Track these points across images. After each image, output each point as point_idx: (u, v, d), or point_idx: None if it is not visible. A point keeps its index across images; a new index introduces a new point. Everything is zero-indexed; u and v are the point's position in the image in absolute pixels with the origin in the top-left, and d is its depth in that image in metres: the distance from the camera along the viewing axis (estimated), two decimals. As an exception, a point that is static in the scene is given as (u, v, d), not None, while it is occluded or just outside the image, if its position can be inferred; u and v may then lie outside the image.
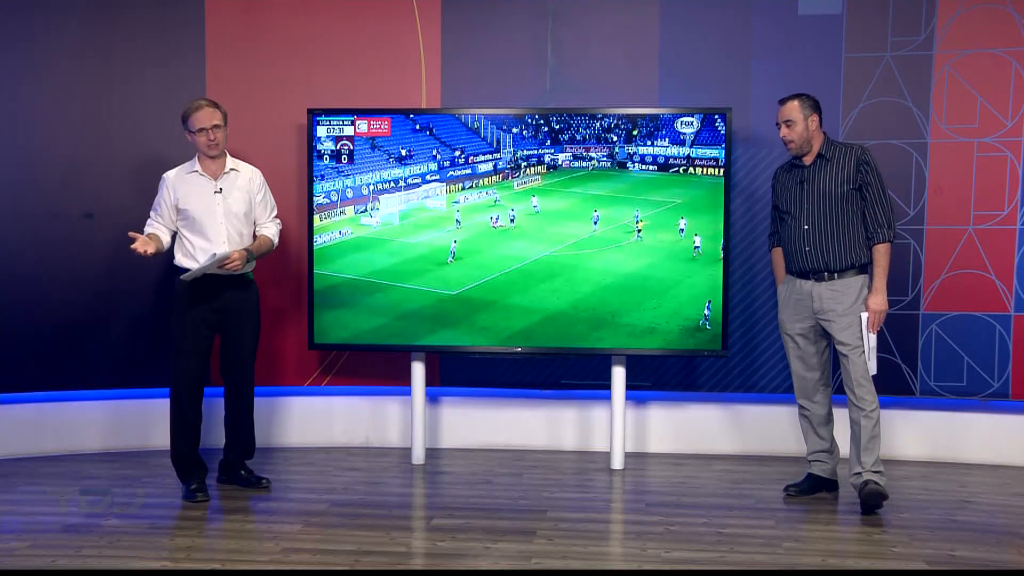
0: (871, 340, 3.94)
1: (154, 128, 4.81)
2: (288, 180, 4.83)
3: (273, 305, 4.86)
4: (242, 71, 4.89)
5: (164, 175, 4.18)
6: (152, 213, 4.20)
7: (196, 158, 4.18)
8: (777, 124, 4.08)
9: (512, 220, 4.63)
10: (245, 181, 4.22)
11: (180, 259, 4.14)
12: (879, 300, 3.95)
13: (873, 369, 3.94)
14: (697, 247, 4.51)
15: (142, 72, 4.83)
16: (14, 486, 4.29)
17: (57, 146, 4.78)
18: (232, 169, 4.20)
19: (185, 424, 4.13)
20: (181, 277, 4.05)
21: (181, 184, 4.13)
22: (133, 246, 4.00)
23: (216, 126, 4.09)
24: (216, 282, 4.08)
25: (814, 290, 4.04)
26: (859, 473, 3.93)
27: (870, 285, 3.99)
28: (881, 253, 3.98)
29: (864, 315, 3.94)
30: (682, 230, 4.52)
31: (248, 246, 4.16)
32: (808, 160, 4.07)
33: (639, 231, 4.56)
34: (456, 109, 4.67)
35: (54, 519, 3.80)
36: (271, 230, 4.32)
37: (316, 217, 4.64)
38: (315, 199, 4.64)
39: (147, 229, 4.14)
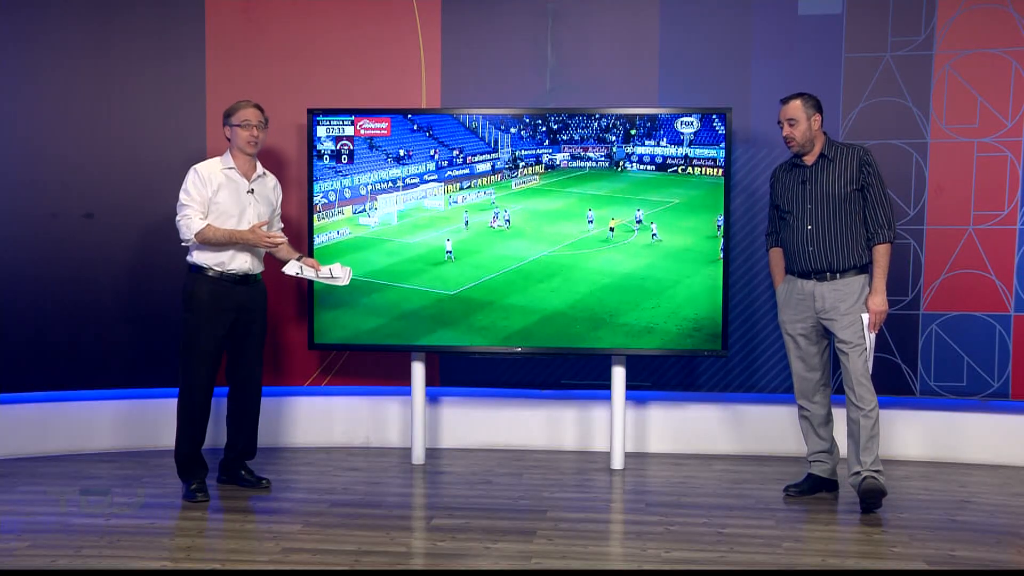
0: (870, 340, 3.95)
1: (154, 128, 4.81)
2: (288, 180, 4.83)
3: (273, 305, 4.85)
4: (242, 71, 4.89)
5: (195, 168, 4.12)
6: (191, 206, 4.04)
7: (228, 154, 4.18)
8: (779, 123, 4.08)
9: (508, 221, 4.63)
10: (272, 186, 4.31)
11: (197, 255, 4.10)
12: (879, 301, 3.96)
13: (869, 370, 3.95)
14: (655, 235, 4.52)
15: (142, 72, 4.84)
16: (14, 486, 4.29)
17: (57, 146, 4.78)
18: (264, 173, 4.28)
19: (194, 423, 4.13)
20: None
21: (215, 177, 4.11)
22: (278, 242, 4.12)
23: (260, 124, 4.15)
24: (230, 283, 4.10)
25: (816, 290, 4.04)
26: (858, 472, 3.93)
27: (870, 285, 3.99)
28: (881, 254, 3.98)
29: (865, 316, 3.94)
30: (639, 220, 4.54)
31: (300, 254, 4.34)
32: (810, 160, 4.06)
33: (612, 229, 4.56)
34: (455, 109, 4.67)
35: (54, 519, 3.80)
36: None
37: (315, 217, 4.64)
38: (314, 199, 4.64)
39: (199, 222, 4.03)
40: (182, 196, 4.09)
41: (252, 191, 4.17)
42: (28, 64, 4.74)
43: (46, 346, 4.79)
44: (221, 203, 4.10)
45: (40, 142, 4.77)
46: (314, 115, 4.64)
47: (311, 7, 4.92)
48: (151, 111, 4.83)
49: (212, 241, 4.05)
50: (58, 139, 4.78)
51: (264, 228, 4.16)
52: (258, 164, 4.25)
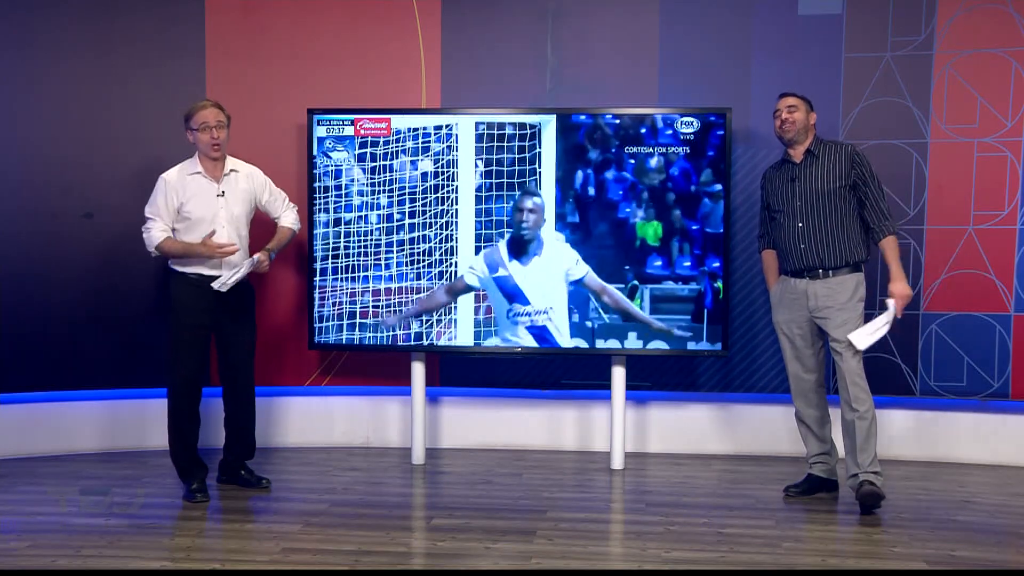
0: (888, 319, 3.89)
1: (154, 128, 4.80)
2: (288, 180, 4.82)
3: (273, 305, 4.86)
4: (242, 71, 4.89)
5: (162, 176, 4.10)
6: (154, 217, 4.07)
7: (196, 158, 4.15)
8: (776, 112, 4.07)
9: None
10: (245, 181, 4.21)
11: (176, 263, 4.11)
12: (902, 286, 3.93)
13: (861, 345, 3.87)
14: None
15: (142, 72, 4.83)
16: (14, 486, 4.29)
17: (57, 146, 4.78)
18: (232, 170, 4.19)
19: (183, 424, 4.13)
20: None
21: (183, 186, 4.07)
22: (230, 251, 4.01)
23: (220, 124, 4.08)
24: (208, 285, 4.06)
25: (809, 288, 4.04)
26: (856, 475, 3.92)
27: (874, 280, 4.00)
28: (890, 246, 3.98)
29: (890, 302, 3.91)
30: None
31: (269, 245, 4.21)
32: (797, 157, 4.07)
33: None
34: (456, 109, 4.67)
35: (54, 519, 3.80)
36: (290, 218, 4.35)
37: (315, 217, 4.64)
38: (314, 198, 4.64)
39: (159, 235, 4.04)
40: (148, 208, 4.09)
41: (223, 194, 4.12)
42: (28, 64, 4.74)
43: (45, 346, 4.79)
44: (191, 212, 4.06)
45: (40, 142, 4.76)
46: (314, 115, 4.64)
47: (311, 7, 4.92)
48: (151, 111, 4.82)
49: (171, 254, 4.06)
50: (58, 139, 4.78)
51: (215, 238, 4.03)
52: (227, 160, 4.18)
